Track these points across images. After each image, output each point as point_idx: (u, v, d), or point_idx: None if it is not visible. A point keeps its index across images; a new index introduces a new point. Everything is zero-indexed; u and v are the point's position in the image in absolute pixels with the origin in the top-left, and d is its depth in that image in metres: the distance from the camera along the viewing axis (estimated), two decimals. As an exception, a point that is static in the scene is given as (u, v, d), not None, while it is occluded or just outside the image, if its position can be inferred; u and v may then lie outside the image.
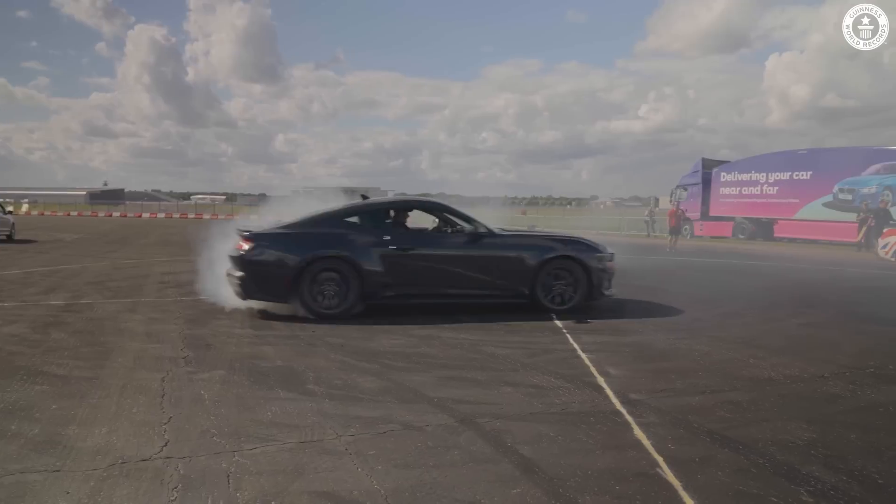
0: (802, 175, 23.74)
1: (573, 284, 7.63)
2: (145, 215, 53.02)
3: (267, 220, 8.66)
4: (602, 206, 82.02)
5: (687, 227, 25.79)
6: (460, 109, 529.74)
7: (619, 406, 4.11)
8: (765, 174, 25.10)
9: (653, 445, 3.43)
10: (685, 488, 2.92)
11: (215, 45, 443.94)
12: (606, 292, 7.87)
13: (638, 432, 3.64)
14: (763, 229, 25.40)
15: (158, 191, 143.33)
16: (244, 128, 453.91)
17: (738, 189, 26.22)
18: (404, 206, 8.09)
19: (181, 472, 3.03)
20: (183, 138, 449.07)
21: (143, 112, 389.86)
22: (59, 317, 7.07)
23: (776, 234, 24.92)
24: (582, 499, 2.81)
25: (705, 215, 27.58)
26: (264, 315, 7.16)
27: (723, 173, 27.05)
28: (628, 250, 15.44)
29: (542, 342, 6.09)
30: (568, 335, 6.36)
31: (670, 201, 27.62)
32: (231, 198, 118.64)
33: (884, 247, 16.55)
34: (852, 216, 21.09)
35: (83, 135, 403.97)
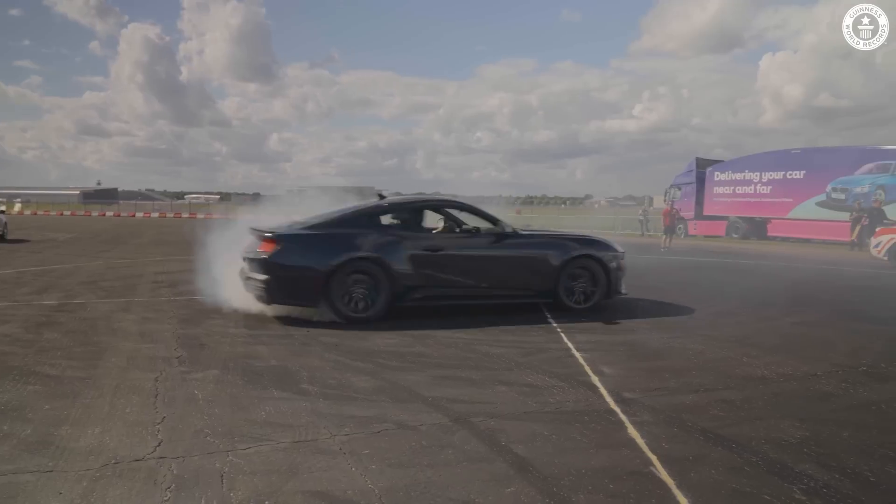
0: (796, 174, 23.82)
1: (592, 283, 7.62)
2: (139, 215, 52.71)
3: (277, 220, 8.13)
4: (596, 206, 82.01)
5: (681, 226, 25.94)
6: (455, 109, 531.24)
7: (613, 405, 4.12)
8: (758, 173, 25.18)
9: (646, 444, 3.44)
10: (679, 487, 2.93)
11: (209, 43, 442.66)
12: (623, 291, 7.89)
13: (632, 431, 3.65)
14: (756, 228, 25.49)
15: (152, 190, 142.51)
16: (238, 127, 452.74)
17: (732, 188, 26.30)
18: (434, 206, 7.82)
19: (174, 472, 3.03)
20: (177, 137, 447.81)
21: (137, 111, 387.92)
22: (52, 316, 7.04)
23: (770, 234, 25.02)
24: (576, 497, 2.82)
25: (699, 214, 27.64)
26: (258, 314, 7.12)
27: (716, 173, 27.12)
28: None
29: (536, 341, 6.09)
30: (562, 334, 6.37)
31: (664, 200, 27.66)
32: (225, 197, 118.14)
33: (876, 246, 16.55)
34: (845, 215, 21.18)
35: (76, 134, 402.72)
